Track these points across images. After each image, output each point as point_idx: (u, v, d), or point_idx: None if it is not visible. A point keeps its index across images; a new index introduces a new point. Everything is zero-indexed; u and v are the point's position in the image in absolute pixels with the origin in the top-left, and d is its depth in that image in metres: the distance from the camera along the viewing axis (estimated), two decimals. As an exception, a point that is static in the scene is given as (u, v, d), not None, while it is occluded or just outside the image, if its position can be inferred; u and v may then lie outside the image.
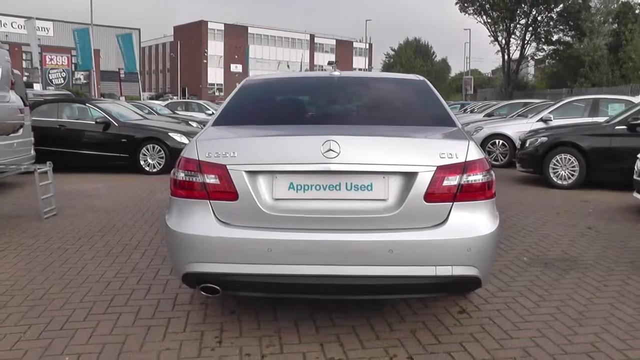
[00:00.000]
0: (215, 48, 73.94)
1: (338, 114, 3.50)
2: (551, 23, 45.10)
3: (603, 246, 4.93)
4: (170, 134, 10.06)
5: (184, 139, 10.01)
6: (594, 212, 6.57)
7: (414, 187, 2.66)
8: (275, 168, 2.68)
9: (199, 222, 2.69)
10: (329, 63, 46.77)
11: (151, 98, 42.06)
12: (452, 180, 2.69)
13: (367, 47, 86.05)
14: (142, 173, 9.76)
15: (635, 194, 6.50)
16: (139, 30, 48.50)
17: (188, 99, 38.51)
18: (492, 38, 48.47)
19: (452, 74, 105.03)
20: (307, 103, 3.61)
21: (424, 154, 2.72)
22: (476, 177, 2.73)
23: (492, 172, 2.82)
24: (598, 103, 10.95)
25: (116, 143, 9.85)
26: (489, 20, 48.25)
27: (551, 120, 10.65)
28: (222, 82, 74.51)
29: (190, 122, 14.17)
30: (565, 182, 8.34)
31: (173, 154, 9.78)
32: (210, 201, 2.69)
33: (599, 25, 37.03)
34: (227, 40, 73.64)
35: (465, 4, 46.03)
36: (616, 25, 36.42)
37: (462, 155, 2.73)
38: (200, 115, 18.93)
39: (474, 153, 2.77)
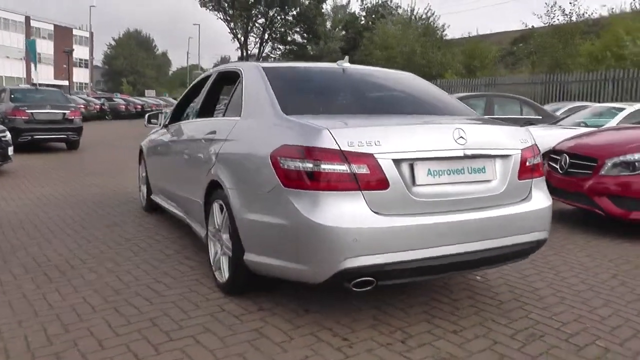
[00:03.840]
0: None
1: (399, 104, 3.55)
2: (287, 24, 48.76)
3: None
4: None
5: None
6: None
7: (511, 167, 3.01)
8: (416, 155, 2.71)
9: (356, 214, 2.54)
10: (65, 51, 41.89)
11: None
12: (530, 161, 3.12)
13: (89, 35, 79.68)
14: None
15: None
16: None
17: None
18: (232, 35, 50.09)
19: (174, 68, 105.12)
20: (367, 94, 3.57)
21: (512, 139, 3.08)
22: (538, 158, 3.21)
23: None
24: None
25: None
26: (228, 18, 49.74)
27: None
28: None
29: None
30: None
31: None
32: (363, 192, 2.56)
33: (330, 31, 41.83)
34: None
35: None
36: (344, 32, 41.69)
37: (530, 140, 3.19)
38: None
39: (533, 138, 3.25)
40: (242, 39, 51.38)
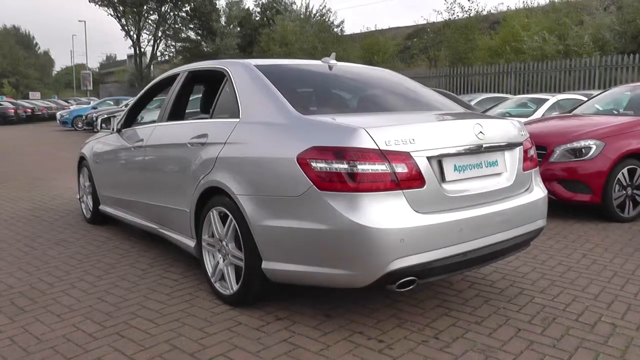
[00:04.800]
0: None
1: (403, 101, 3.53)
2: (179, 21, 47.21)
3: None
4: None
5: None
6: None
7: (517, 159, 3.11)
8: (444, 152, 2.71)
9: (400, 214, 2.49)
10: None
11: None
12: (529, 152, 3.25)
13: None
14: None
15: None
16: None
17: None
18: (124, 32, 47.77)
19: (57, 68, 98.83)
20: (368, 91, 3.50)
21: (515, 131, 3.18)
22: (534, 149, 3.35)
23: None
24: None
25: None
26: (118, 14, 47.39)
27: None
28: None
29: None
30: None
31: None
32: (403, 191, 2.52)
33: (226, 27, 41.19)
34: None
35: (95, -6, 44.06)
36: (239, 28, 41.21)
37: (526, 132, 3.31)
38: None
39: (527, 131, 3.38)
40: (135, 36, 49.18)
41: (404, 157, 2.55)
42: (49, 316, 3.11)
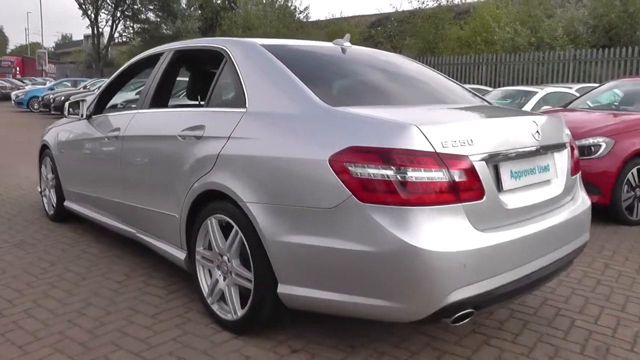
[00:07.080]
0: None
1: (438, 92, 3.05)
2: (138, 1, 45.37)
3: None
4: None
5: None
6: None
7: (566, 163, 2.72)
8: (502, 155, 2.28)
9: (460, 233, 2.03)
10: None
11: None
12: (575, 155, 2.85)
13: None
14: None
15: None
16: None
17: None
18: (82, 11, 45.63)
19: (12, 46, 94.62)
20: (394, 79, 3.03)
21: (562, 130, 2.78)
22: (577, 151, 2.96)
23: None
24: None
25: None
26: (75, -8, 45.20)
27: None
28: None
29: None
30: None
31: None
32: (463, 204, 2.06)
33: (186, 9, 39.94)
34: None
35: (51, -29, 41.82)
36: (200, 11, 40.08)
37: (569, 132, 2.91)
38: None
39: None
40: (93, 16, 47.11)
41: (463, 162, 2.09)
42: (9, 348, 2.53)
